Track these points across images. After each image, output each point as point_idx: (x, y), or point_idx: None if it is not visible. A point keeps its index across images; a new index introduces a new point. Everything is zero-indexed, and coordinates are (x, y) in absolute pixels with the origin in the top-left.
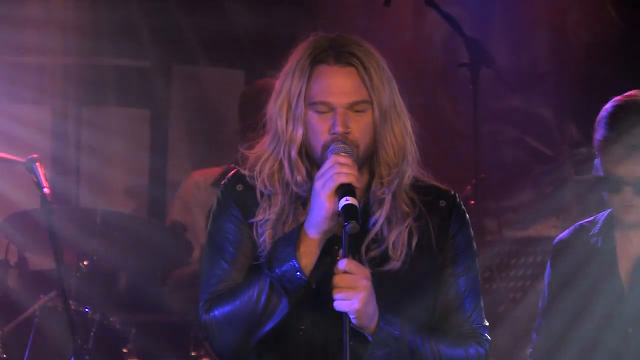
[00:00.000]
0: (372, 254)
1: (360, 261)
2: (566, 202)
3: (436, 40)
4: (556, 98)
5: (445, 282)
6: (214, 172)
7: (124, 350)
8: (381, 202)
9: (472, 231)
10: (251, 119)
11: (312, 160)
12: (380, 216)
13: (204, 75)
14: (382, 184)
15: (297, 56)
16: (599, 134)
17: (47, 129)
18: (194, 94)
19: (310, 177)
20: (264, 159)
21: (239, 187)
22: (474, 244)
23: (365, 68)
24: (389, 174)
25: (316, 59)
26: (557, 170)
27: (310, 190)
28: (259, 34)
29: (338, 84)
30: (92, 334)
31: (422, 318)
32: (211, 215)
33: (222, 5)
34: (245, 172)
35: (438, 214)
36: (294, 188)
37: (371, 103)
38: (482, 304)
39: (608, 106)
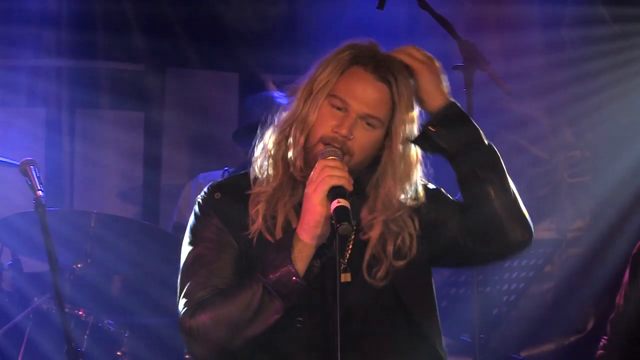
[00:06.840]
0: (377, 272)
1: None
2: (560, 205)
3: (429, 43)
4: (550, 101)
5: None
6: (218, 174)
7: (118, 353)
8: (372, 226)
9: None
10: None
11: (308, 147)
12: (373, 237)
13: (198, 77)
14: (374, 209)
15: (338, 50)
16: None
17: (41, 132)
18: (188, 96)
19: (307, 164)
20: (276, 126)
21: (217, 196)
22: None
23: (398, 91)
24: (383, 204)
25: (356, 59)
26: (551, 173)
27: (306, 176)
28: (253, 36)
29: (365, 92)
30: (86, 336)
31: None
32: (189, 225)
33: (216, 7)
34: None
35: (427, 196)
36: (293, 170)
37: (383, 123)
38: None
39: None
